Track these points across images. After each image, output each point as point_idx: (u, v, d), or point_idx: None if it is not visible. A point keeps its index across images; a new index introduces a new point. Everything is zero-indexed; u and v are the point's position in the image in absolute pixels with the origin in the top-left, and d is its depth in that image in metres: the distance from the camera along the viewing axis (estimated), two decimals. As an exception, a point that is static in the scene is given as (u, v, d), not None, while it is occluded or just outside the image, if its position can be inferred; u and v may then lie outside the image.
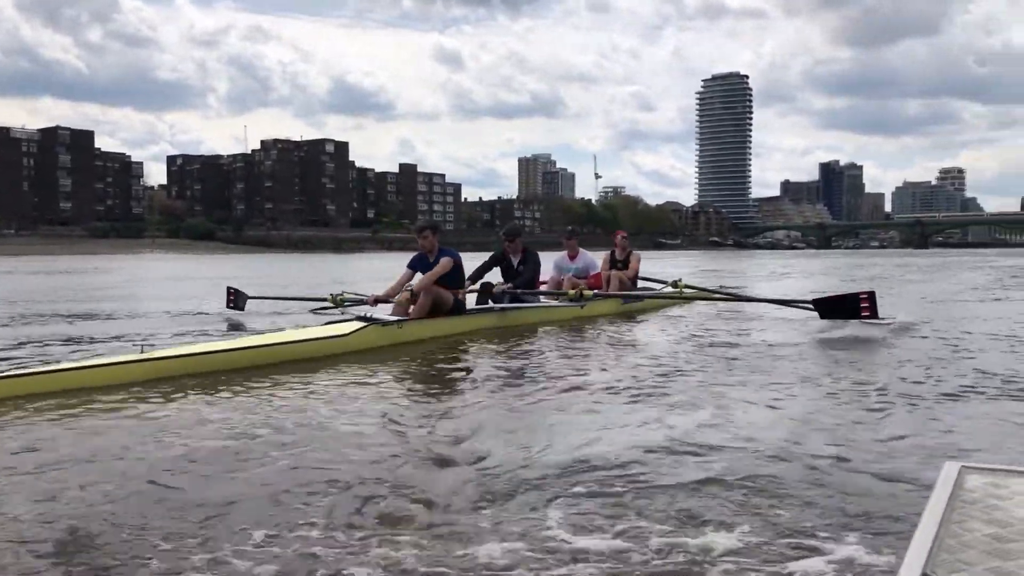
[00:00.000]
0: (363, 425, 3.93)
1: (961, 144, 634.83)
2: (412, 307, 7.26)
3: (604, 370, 5.64)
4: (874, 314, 7.62)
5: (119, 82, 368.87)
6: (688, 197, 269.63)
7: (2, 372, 4.83)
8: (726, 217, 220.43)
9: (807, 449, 3.45)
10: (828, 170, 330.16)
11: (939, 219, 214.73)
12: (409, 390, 5.02)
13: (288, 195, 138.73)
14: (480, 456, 3.35)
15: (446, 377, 5.65)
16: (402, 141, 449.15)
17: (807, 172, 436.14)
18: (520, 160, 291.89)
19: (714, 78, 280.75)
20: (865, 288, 8.66)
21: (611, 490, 2.90)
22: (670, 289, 10.82)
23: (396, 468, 3.19)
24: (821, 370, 5.63)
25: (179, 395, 4.65)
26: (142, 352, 5.18)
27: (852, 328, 7.63)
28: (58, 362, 5.39)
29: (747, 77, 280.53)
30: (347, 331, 6.33)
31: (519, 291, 8.85)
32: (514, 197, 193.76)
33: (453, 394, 4.91)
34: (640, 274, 10.93)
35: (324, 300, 9.69)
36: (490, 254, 9.35)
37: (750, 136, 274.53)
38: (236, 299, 10.47)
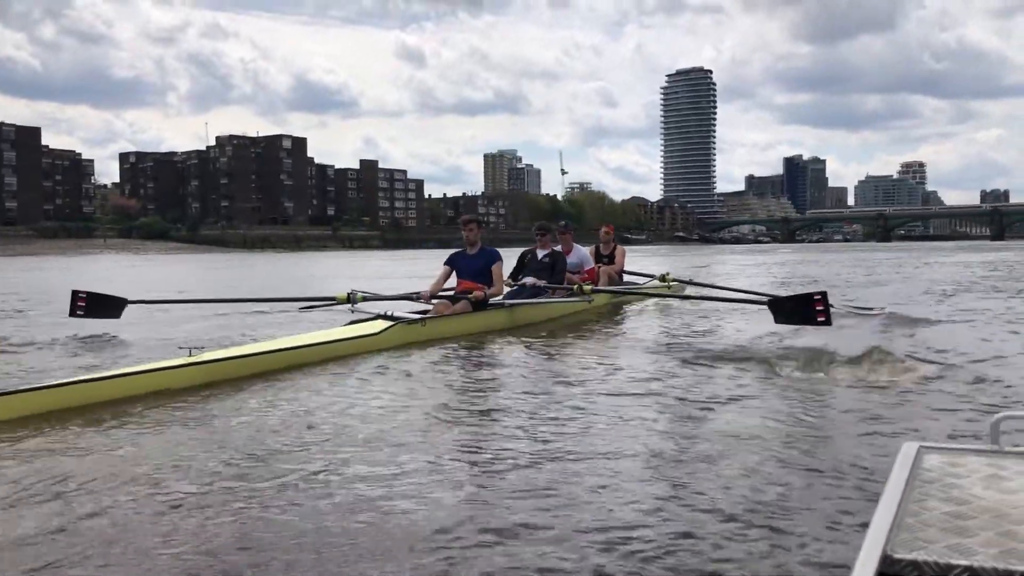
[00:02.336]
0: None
1: (920, 138, 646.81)
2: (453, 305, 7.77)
3: (623, 369, 5.79)
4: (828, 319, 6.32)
5: (75, 79, 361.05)
6: (654, 192, 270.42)
7: (44, 383, 4.68)
8: (691, 212, 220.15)
9: (778, 436, 3.67)
10: (791, 164, 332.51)
11: (901, 212, 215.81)
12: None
13: (245, 192, 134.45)
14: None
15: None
16: (366, 139, 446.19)
17: (771, 167, 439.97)
18: (486, 157, 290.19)
19: (678, 73, 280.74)
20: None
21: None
22: (658, 283, 11.85)
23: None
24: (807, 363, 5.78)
25: (243, 398, 4.83)
26: (190, 355, 5.33)
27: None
28: (105, 369, 5.46)
29: (711, 72, 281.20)
30: (377, 330, 6.86)
31: (541, 285, 8.97)
32: (479, 193, 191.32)
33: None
34: (624, 268, 11.48)
35: (333, 299, 8.50)
36: (520, 252, 9.69)
37: (714, 131, 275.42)
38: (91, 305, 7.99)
